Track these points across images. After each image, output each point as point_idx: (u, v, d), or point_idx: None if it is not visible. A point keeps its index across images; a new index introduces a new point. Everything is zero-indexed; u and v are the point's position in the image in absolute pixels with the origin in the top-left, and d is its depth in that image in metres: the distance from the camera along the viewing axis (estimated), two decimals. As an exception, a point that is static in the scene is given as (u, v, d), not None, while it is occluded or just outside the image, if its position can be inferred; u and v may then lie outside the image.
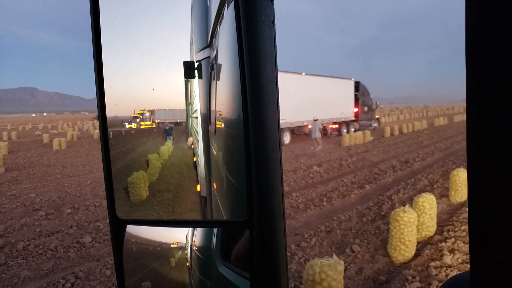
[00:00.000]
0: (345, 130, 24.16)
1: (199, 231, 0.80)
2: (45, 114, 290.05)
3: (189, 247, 0.78)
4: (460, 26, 0.35)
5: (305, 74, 21.37)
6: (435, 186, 9.46)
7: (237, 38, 0.57)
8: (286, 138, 19.93)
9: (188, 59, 0.85)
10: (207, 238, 0.80)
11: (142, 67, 0.82)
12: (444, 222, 6.71)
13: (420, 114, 62.37)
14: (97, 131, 31.80)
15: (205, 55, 0.91)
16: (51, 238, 6.42)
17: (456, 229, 6.16)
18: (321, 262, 3.56)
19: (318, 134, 17.26)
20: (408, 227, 5.18)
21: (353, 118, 25.48)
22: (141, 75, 0.81)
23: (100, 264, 5.30)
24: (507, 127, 0.32)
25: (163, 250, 0.80)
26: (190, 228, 0.79)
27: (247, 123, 0.58)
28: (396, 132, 25.05)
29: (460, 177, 7.91)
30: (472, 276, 0.37)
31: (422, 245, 5.70)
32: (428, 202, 5.98)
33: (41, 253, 5.77)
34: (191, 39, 0.88)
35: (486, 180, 0.33)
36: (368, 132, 21.67)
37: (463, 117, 42.94)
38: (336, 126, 23.14)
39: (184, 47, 0.86)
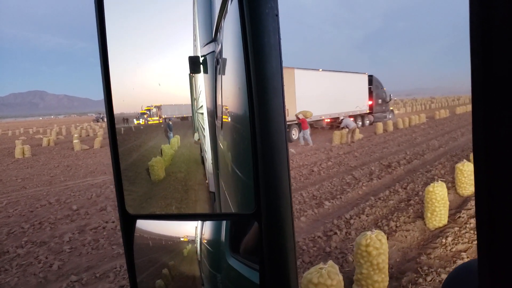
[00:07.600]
0: (360, 123, 25.04)
1: (208, 225, 0.80)
2: (52, 116, 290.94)
3: (199, 240, 0.78)
4: (466, 15, 0.34)
5: (322, 70, 22.22)
6: (412, 201, 7.46)
7: (241, 31, 0.56)
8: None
9: (193, 54, 0.85)
10: (216, 231, 0.79)
11: (147, 63, 0.82)
12: (408, 265, 4.77)
13: (422, 106, 59.65)
14: (78, 135, 30.37)
15: (210, 50, 0.91)
16: None
17: (420, 280, 4.23)
18: None
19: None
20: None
21: (368, 111, 26.17)
22: (147, 72, 0.82)
23: None
24: None
25: (173, 244, 0.81)
26: (199, 222, 0.78)
27: (253, 116, 0.56)
28: (390, 128, 22.87)
29: (437, 194, 5.95)
30: (480, 263, 0.37)
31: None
32: (375, 247, 4.04)
33: None
34: (195, 34, 0.88)
35: (494, 170, 0.33)
36: (357, 130, 19.74)
37: (466, 108, 40.50)
38: (351, 119, 22.34)
39: (188, 42, 0.86)
